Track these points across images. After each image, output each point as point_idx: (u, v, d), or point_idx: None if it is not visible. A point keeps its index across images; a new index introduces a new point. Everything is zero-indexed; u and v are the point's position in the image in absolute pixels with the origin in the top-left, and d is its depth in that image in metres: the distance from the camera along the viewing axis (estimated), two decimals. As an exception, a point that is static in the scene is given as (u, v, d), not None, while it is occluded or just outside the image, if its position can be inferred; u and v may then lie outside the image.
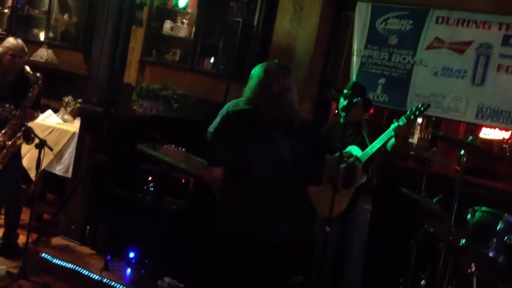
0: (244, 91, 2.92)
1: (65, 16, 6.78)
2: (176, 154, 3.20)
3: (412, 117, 3.69)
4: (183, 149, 3.28)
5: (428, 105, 3.74)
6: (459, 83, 4.76)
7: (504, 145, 5.30)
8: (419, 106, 3.68)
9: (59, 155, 4.90)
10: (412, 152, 4.38)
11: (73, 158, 4.80)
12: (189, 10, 6.11)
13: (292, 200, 2.81)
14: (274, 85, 2.79)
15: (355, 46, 5.28)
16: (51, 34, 6.77)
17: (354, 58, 5.29)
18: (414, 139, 5.59)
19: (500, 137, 5.04)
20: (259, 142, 2.76)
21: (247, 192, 2.75)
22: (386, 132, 3.68)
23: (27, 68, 4.27)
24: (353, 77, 5.25)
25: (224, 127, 2.86)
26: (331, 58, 5.58)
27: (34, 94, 4.22)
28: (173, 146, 3.32)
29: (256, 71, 2.87)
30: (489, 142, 5.23)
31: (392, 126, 3.65)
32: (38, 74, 4.25)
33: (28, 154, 4.81)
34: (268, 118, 2.77)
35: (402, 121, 3.64)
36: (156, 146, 3.89)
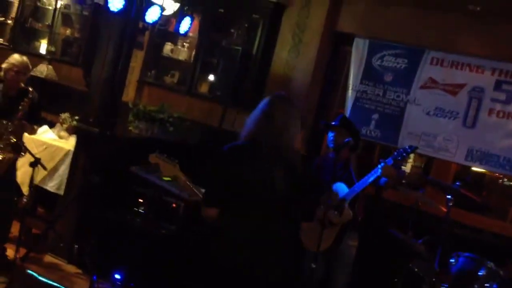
0: (245, 122, 2.87)
1: (68, 31, 6.85)
2: (168, 166, 3.02)
3: (399, 158, 3.76)
4: (176, 161, 3.07)
5: (416, 148, 3.81)
6: (451, 124, 4.86)
7: (498, 180, 5.35)
8: (407, 148, 3.76)
9: (52, 172, 4.92)
10: (400, 190, 4.43)
11: (66, 176, 4.84)
12: (190, 34, 6.19)
13: (283, 237, 2.79)
14: (278, 116, 2.76)
15: (351, 81, 5.38)
16: (52, 48, 6.84)
17: (350, 92, 5.38)
18: (407, 167, 5.65)
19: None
20: (254, 176, 2.72)
21: (239, 228, 2.74)
22: (373, 171, 3.74)
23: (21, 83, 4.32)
24: (347, 111, 5.34)
25: (219, 163, 2.81)
26: (327, 90, 5.67)
27: (25, 107, 4.23)
28: (165, 156, 3.09)
29: (261, 103, 2.85)
30: (482, 175, 5.30)
31: (379, 166, 3.72)
32: (30, 89, 4.29)
33: (23, 169, 4.83)
34: (268, 150, 2.72)
35: (389, 161, 3.71)
36: (149, 167, 3.86)
